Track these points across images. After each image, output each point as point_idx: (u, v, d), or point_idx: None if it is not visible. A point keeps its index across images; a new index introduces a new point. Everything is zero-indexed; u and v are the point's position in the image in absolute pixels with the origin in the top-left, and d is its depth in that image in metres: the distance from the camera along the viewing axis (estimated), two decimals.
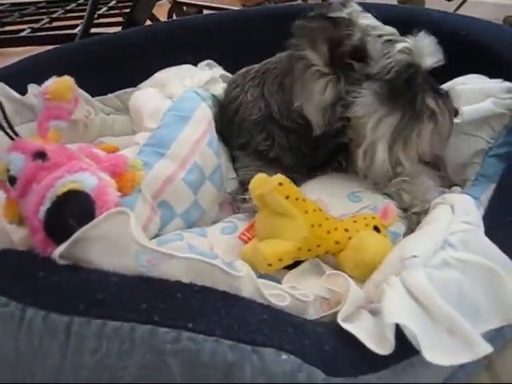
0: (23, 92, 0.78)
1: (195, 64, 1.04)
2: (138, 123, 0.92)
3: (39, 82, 0.72)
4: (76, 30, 1.77)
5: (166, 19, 1.96)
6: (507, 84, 0.79)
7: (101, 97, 0.99)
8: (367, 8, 0.76)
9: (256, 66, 0.89)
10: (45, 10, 2.25)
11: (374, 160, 0.76)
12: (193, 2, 2.08)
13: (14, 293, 0.41)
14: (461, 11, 1.44)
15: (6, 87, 0.77)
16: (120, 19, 2.07)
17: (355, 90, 0.73)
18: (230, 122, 0.89)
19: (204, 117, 0.85)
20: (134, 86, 1.00)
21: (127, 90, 1.01)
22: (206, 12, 2.05)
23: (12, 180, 0.49)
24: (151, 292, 0.43)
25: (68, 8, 2.22)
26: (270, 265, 0.59)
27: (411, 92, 0.75)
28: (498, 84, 0.81)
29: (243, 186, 0.85)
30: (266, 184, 0.62)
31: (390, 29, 0.76)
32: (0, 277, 0.43)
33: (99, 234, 0.45)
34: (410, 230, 0.73)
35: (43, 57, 0.99)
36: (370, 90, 0.74)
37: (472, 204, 0.62)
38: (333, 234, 0.65)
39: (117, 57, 1.04)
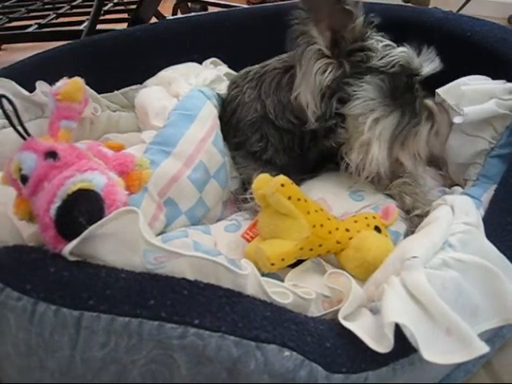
0: (31, 89, 0.79)
1: (200, 62, 1.05)
2: (143, 121, 0.93)
3: (47, 79, 0.73)
4: (82, 27, 1.77)
5: (170, 16, 1.96)
6: (510, 85, 0.80)
7: (107, 94, 1.00)
8: (371, 8, 0.77)
9: (255, 68, 0.91)
10: (51, 6, 2.26)
11: (369, 159, 0.76)
12: None
13: (26, 288, 0.42)
14: (465, 10, 1.44)
15: (15, 84, 0.78)
16: (125, 15, 2.07)
17: (356, 83, 0.74)
18: (227, 122, 0.91)
19: (209, 115, 0.86)
20: (140, 84, 1.01)
21: (133, 87, 1.02)
22: (211, 9, 2.05)
23: (24, 179, 0.50)
24: (158, 289, 0.44)
25: (74, 4, 2.23)
26: (272, 264, 0.60)
27: (410, 93, 0.77)
28: (501, 85, 0.81)
29: (244, 185, 0.87)
30: (269, 184, 0.62)
31: (388, 39, 0.77)
32: (13, 272, 0.44)
33: (108, 231, 0.46)
34: (412, 231, 0.73)
35: (51, 54, 0.99)
36: (371, 84, 0.74)
37: (472, 205, 0.62)
38: (334, 233, 0.66)
39: (123, 54, 1.05)
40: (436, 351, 0.45)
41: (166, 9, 2.00)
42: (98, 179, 0.50)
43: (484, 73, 0.86)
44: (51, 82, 0.63)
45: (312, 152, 0.83)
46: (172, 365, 0.43)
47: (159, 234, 0.75)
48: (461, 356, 0.45)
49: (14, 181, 0.52)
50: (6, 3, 2.28)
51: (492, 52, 0.89)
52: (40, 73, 0.82)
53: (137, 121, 1.00)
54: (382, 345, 0.45)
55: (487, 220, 0.61)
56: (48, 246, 0.48)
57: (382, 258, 0.60)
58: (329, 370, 0.45)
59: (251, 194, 0.70)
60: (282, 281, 0.61)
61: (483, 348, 0.45)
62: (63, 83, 0.60)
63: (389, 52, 0.75)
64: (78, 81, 0.61)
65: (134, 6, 1.78)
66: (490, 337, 0.60)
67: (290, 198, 0.62)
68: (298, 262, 0.65)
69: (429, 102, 0.78)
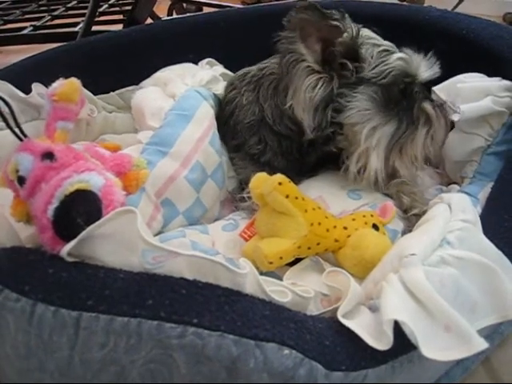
0: (27, 91, 0.79)
1: (196, 62, 1.04)
2: (140, 122, 0.93)
3: (43, 81, 0.73)
4: (77, 28, 1.76)
5: (166, 17, 1.96)
6: (506, 82, 0.80)
7: (103, 95, 1.00)
8: (366, 6, 0.77)
9: (253, 70, 0.90)
10: (46, 8, 2.25)
11: (367, 168, 0.77)
12: None
13: (24, 289, 0.42)
14: (460, 8, 1.44)
15: (11, 86, 0.77)
16: (121, 17, 2.07)
17: (349, 93, 0.74)
18: (225, 124, 0.90)
19: (206, 115, 0.86)
20: (136, 84, 1.01)
21: (129, 88, 1.02)
22: (206, 9, 2.05)
23: (21, 180, 0.50)
24: (157, 288, 0.44)
25: (69, 5, 2.22)
26: (271, 263, 0.60)
27: (408, 100, 0.76)
28: (496, 82, 0.81)
29: (241, 185, 0.87)
30: (266, 183, 0.62)
31: (387, 43, 0.77)
32: (11, 273, 0.44)
33: (106, 232, 0.46)
34: (409, 230, 0.73)
35: (46, 55, 0.99)
36: (365, 95, 0.74)
37: (469, 203, 0.63)
38: (332, 232, 0.66)
39: (118, 55, 1.05)
40: (435, 348, 0.45)
41: (162, 10, 2.00)
42: (95, 180, 0.50)
43: (480, 70, 0.86)
44: (47, 84, 0.62)
45: (311, 157, 0.83)
46: (171, 364, 0.43)
47: (157, 235, 0.75)
48: (460, 352, 0.45)
49: (11, 182, 0.52)
50: (1, 5, 2.27)
51: (488, 49, 0.89)
52: (36, 75, 0.82)
53: (133, 122, 1.00)
54: (381, 342, 0.45)
55: (484, 217, 0.61)
56: (46, 248, 0.48)
57: (380, 256, 0.60)
58: (328, 368, 0.45)
59: (248, 193, 0.70)
60: (281, 279, 0.61)
61: (482, 344, 0.45)
62: (59, 84, 0.59)
63: (384, 60, 0.74)
64: (75, 81, 0.61)
65: (129, 8, 1.78)
66: (488, 333, 0.60)
67: (287, 196, 0.62)
68: (297, 261, 0.65)
69: (427, 105, 0.77)
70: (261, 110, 0.83)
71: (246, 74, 0.91)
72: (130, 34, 1.09)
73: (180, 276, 0.46)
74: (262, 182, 0.64)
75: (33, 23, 1.97)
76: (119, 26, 1.56)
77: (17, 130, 0.53)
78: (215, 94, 0.94)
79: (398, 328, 0.45)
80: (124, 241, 0.47)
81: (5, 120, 0.52)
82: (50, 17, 2.08)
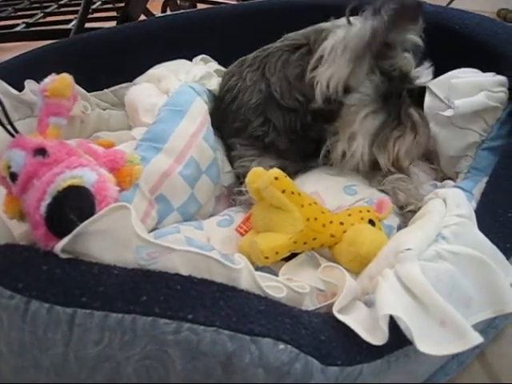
0: (20, 88, 0.78)
1: (190, 59, 1.04)
2: (133, 118, 0.92)
3: (36, 78, 0.72)
4: (70, 25, 1.76)
5: (160, 13, 1.95)
6: (500, 77, 0.80)
7: (97, 92, 0.99)
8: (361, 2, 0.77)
9: (251, 55, 0.90)
10: (38, 5, 2.24)
11: (351, 151, 0.79)
12: None
13: (18, 286, 0.42)
14: (454, 4, 1.44)
15: (3, 83, 0.77)
16: (114, 14, 2.06)
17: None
18: (225, 111, 0.90)
19: (200, 111, 0.85)
20: (130, 81, 1.01)
21: (123, 85, 1.02)
22: (200, 6, 2.05)
23: (13, 176, 0.50)
24: (151, 284, 0.44)
25: (62, 3, 2.21)
26: (266, 258, 0.60)
27: (399, 98, 0.79)
28: (490, 78, 0.81)
29: (239, 179, 0.87)
30: (262, 178, 0.62)
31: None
32: (5, 271, 0.44)
33: (100, 228, 0.46)
34: (405, 226, 0.72)
35: (39, 53, 0.99)
36: (373, 83, 0.76)
37: (464, 198, 0.63)
38: (328, 227, 0.66)
39: (112, 52, 1.04)
40: (431, 342, 0.45)
41: (155, 6, 1.99)
42: (88, 175, 0.49)
43: (474, 66, 0.86)
44: (40, 81, 0.62)
45: (314, 132, 0.83)
46: (166, 360, 0.43)
47: (151, 231, 0.75)
48: (455, 347, 0.45)
49: (3, 179, 0.52)
50: None
51: (482, 45, 0.89)
52: (28, 72, 0.81)
53: (127, 119, 0.99)
54: (376, 337, 0.45)
55: (479, 212, 0.61)
56: (39, 244, 0.48)
57: (376, 251, 0.60)
58: (324, 363, 0.44)
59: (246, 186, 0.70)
60: (276, 275, 0.60)
61: (477, 338, 0.45)
62: (51, 79, 0.59)
63: (393, 54, 0.76)
64: (66, 77, 0.60)
65: (122, 4, 1.77)
66: (483, 328, 0.60)
67: (283, 191, 0.62)
68: (292, 256, 0.65)
69: (413, 112, 0.80)
70: (267, 85, 0.83)
71: (243, 61, 0.91)
72: (124, 31, 1.09)
73: (175, 272, 0.46)
74: (258, 177, 0.64)
75: (25, 20, 1.96)
76: (113, 23, 1.55)
77: (9, 127, 0.52)
78: (209, 90, 0.93)
79: (393, 323, 0.45)
80: (118, 237, 0.46)
81: None
82: (42, 14, 2.08)
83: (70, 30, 1.60)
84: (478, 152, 0.81)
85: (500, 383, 0.66)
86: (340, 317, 0.48)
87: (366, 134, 0.78)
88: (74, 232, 0.45)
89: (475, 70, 0.85)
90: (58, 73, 0.63)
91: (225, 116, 0.90)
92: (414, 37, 0.76)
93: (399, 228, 0.74)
